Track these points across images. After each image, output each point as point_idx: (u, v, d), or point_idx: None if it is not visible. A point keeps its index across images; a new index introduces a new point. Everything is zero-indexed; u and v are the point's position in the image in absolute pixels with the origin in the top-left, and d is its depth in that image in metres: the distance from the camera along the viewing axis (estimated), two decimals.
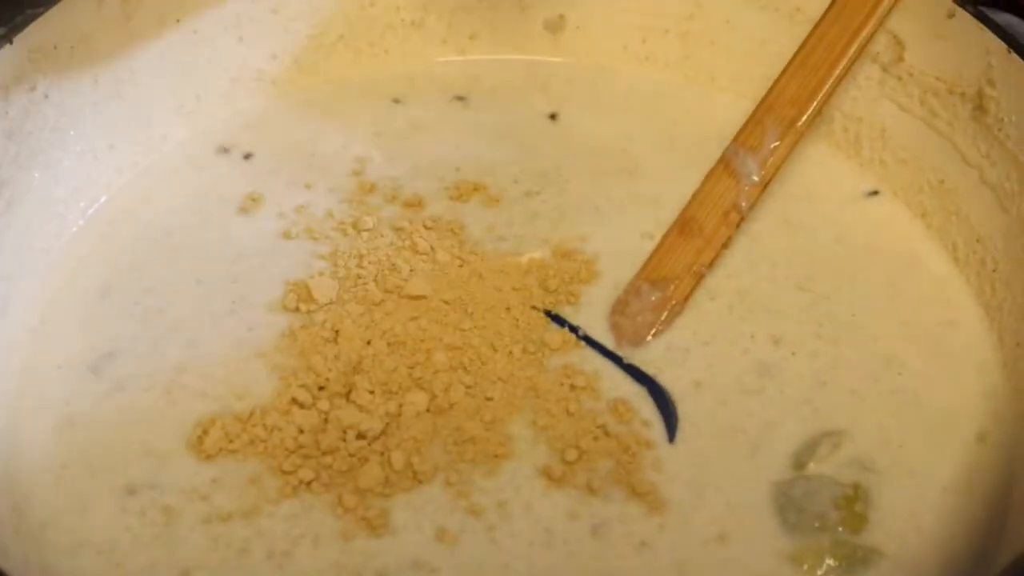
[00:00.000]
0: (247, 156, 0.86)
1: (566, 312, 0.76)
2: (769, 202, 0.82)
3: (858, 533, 0.66)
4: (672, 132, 0.89)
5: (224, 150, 0.86)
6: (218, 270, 0.78)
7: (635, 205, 0.83)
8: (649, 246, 0.79)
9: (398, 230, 0.79)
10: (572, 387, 0.71)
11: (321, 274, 0.76)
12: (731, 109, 0.86)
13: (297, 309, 0.75)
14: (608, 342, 0.75)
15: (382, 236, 0.79)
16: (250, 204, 0.82)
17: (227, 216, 0.81)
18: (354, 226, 0.80)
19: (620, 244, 0.80)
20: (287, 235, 0.80)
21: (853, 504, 0.67)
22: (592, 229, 0.81)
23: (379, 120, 0.89)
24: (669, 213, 0.81)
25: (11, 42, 0.73)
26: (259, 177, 0.84)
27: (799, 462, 0.68)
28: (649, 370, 0.73)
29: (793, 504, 0.67)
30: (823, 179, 0.85)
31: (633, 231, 0.81)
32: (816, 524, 0.66)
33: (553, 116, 0.90)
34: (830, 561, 0.65)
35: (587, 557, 0.65)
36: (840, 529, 0.66)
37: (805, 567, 0.64)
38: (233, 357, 0.72)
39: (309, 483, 0.66)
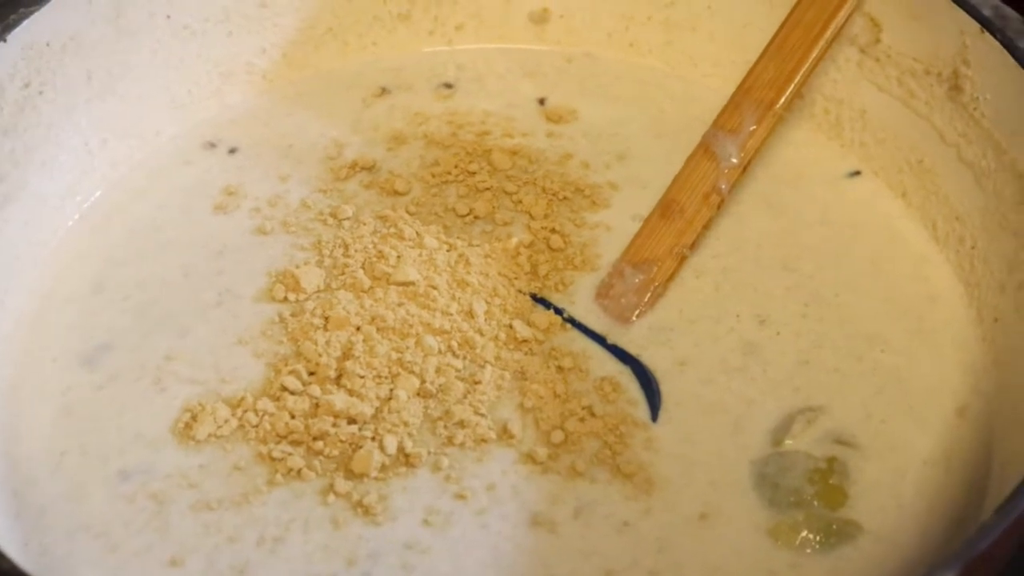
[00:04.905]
0: (232, 151, 0.86)
1: (556, 295, 0.77)
2: (753, 184, 0.83)
3: (837, 508, 0.67)
4: (659, 117, 0.89)
5: (211, 145, 0.87)
6: (204, 264, 0.78)
7: (626, 189, 0.84)
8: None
9: (381, 218, 0.80)
10: (559, 368, 0.72)
11: (306, 263, 0.77)
12: (715, 94, 0.86)
13: (285, 299, 0.76)
14: (597, 323, 0.76)
15: (365, 224, 0.80)
16: (228, 199, 0.83)
17: (210, 211, 0.82)
18: (333, 215, 0.81)
19: (611, 227, 0.81)
20: (261, 230, 0.80)
21: (828, 478, 0.68)
22: (582, 213, 0.82)
23: (363, 109, 0.90)
24: (658, 197, 0.81)
25: (5, 40, 0.74)
26: (241, 171, 0.85)
27: (776, 439, 0.70)
28: (633, 349, 0.74)
29: (768, 480, 0.68)
30: (805, 161, 0.86)
31: (624, 214, 0.82)
32: (792, 499, 0.67)
33: (542, 101, 0.91)
34: (807, 535, 0.65)
35: (571, 539, 0.66)
36: (816, 503, 0.67)
37: (781, 541, 0.65)
38: (221, 345, 0.74)
39: (299, 471, 0.67)
